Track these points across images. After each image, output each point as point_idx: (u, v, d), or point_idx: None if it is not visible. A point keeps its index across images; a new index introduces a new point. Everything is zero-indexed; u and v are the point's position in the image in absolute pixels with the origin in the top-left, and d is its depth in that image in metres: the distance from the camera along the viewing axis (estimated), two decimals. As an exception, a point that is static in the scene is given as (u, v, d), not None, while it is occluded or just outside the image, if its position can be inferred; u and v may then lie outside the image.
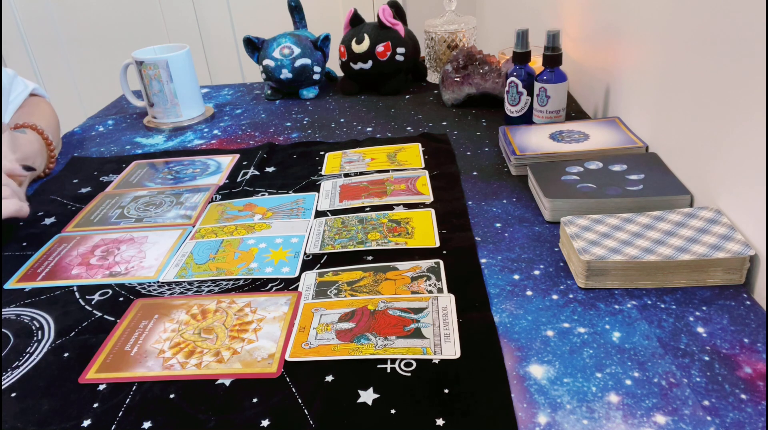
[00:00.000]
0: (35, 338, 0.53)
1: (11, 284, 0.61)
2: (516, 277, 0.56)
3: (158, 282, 0.60)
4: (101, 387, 0.46)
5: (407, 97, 1.09)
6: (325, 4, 1.94)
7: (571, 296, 0.53)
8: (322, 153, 0.87)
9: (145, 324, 0.53)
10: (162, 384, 0.46)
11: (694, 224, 0.56)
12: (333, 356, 0.47)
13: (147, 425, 0.42)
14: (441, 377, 0.44)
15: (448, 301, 0.52)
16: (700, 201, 0.61)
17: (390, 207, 0.70)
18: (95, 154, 0.95)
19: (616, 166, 0.68)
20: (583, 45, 0.97)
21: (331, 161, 0.84)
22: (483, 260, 0.58)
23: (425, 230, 0.64)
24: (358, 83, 1.12)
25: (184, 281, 0.59)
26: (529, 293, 0.53)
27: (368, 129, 0.96)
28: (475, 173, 0.77)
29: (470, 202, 0.69)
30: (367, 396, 0.43)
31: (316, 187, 0.77)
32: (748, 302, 0.50)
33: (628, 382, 0.43)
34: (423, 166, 0.80)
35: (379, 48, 1.05)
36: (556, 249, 0.59)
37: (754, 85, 0.50)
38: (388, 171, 0.79)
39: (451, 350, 0.47)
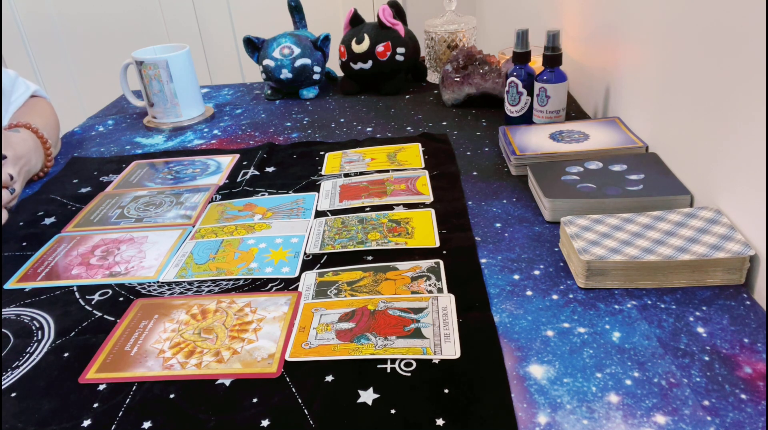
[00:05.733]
0: (35, 338, 0.53)
1: (11, 284, 0.61)
2: (516, 277, 0.56)
3: (158, 282, 0.60)
4: (101, 387, 0.46)
5: (407, 97, 1.09)
6: (325, 4, 1.94)
7: (571, 296, 0.53)
8: (322, 153, 0.87)
9: (145, 324, 0.53)
10: (162, 384, 0.46)
11: (694, 224, 0.56)
12: (333, 356, 0.47)
13: (147, 425, 0.42)
14: (441, 377, 0.44)
15: (448, 301, 0.52)
16: (700, 201, 0.61)
17: (390, 207, 0.70)
18: (95, 154, 0.95)
19: (616, 166, 0.68)
20: (583, 45, 0.97)
21: (331, 161, 0.84)
22: (483, 260, 0.58)
23: (425, 230, 0.64)
24: (358, 83, 1.12)
25: (184, 281, 0.59)
26: (529, 293, 0.53)
27: (368, 129, 0.96)
28: (475, 173, 0.77)
29: (470, 202, 0.69)
30: (367, 396, 0.43)
31: (316, 187, 0.77)
32: (748, 302, 0.50)
33: (628, 382, 0.43)
34: (423, 166, 0.80)
35: (379, 48, 1.05)
36: (556, 249, 0.59)
37: (755, 84, 0.50)
38: (388, 171, 0.79)
39: (451, 350, 0.47)
